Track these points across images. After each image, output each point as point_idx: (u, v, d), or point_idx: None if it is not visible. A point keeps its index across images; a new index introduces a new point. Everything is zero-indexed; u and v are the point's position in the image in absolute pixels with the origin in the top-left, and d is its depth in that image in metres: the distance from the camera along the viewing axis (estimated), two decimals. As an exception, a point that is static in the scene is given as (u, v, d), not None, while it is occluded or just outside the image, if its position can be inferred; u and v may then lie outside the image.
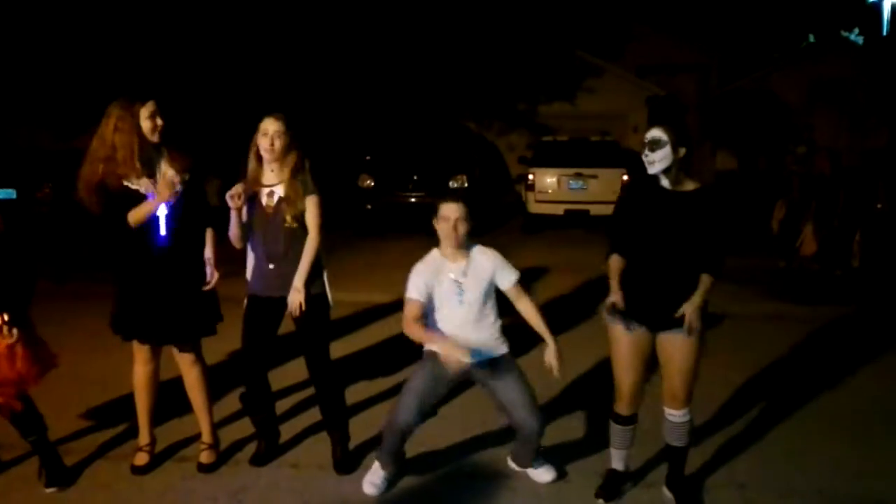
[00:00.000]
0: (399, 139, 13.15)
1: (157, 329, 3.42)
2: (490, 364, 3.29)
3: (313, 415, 3.93)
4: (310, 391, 4.15)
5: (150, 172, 3.32)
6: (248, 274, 3.58)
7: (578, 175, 12.16)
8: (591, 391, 4.65)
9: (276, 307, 3.51)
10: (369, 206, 11.79)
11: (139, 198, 3.28)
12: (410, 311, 3.25)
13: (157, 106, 3.31)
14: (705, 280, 2.99)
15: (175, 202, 3.31)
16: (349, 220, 11.90)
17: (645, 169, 3.04)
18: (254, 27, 13.14)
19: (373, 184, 11.86)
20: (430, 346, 3.26)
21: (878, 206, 9.17)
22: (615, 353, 3.18)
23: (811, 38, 25.72)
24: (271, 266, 3.45)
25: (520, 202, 13.09)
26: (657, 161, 2.97)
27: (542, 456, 3.53)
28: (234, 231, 3.46)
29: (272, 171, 3.45)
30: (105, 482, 3.48)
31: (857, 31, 25.87)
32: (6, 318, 3.16)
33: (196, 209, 3.43)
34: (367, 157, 12.44)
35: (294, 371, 4.70)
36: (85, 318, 6.02)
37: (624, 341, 3.13)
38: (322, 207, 3.48)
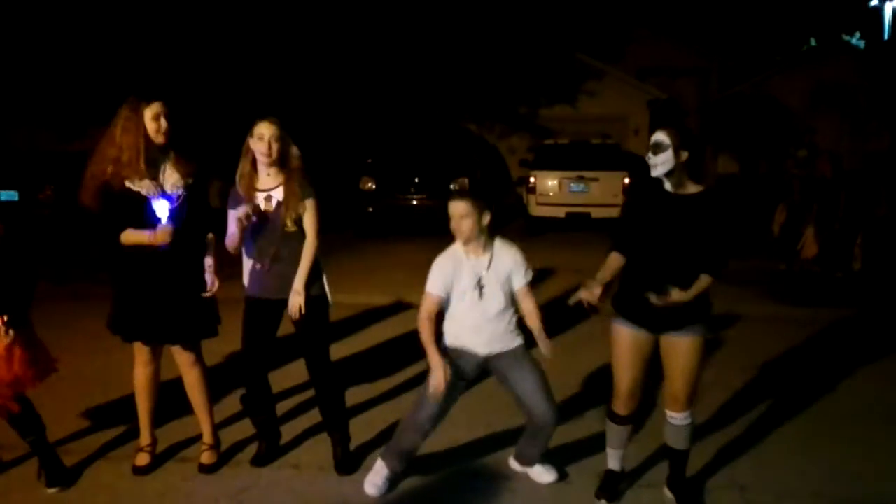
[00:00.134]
0: (400, 142, 13.17)
1: (156, 330, 3.41)
2: (506, 356, 3.31)
3: (314, 416, 3.94)
4: (310, 392, 4.16)
5: (154, 174, 3.32)
6: (246, 276, 3.58)
7: (580, 178, 12.18)
8: (591, 392, 4.64)
9: (274, 309, 3.52)
10: (370, 209, 11.81)
11: (140, 200, 3.28)
12: (427, 307, 3.25)
13: (164, 107, 3.30)
14: (703, 279, 2.99)
15: (177, 206, 3.30)
16: (350, 222, 11.92)
17: (648, 172, 3.06)
18: (256, 29, 13.16)
19: (374, 186, 11.87)
20: (429, 356, 3.21)
21: (880, 209, 9.17)
22: (615, 352, 3.19)
23: (812, 42, 25.73)
24: (270, 269, 3.46)
25: (521, 205, 13.11)
26: (659, 164, 2.98)
27: (545, 456, 3.53)
28: (233, 239, 3.46)
29: (268, 174, 3.45)
30: (106, 483, 3.49)
31: (858, 34, 25.88)
32: (5, 319, 3.17)
33: (198, 213, 3.42)
34: (369, 160, 12.46)
35: (294, 372, 4.71)
36: (85, 319, 6.02)
37: (624, 340, 3.14)
38: (319, 210, 3.49)
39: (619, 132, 17.06)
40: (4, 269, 3.20)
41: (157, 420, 3.69)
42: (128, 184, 3.28)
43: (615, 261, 3.15)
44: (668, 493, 3.30)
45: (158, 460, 3.65)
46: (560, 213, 12.14)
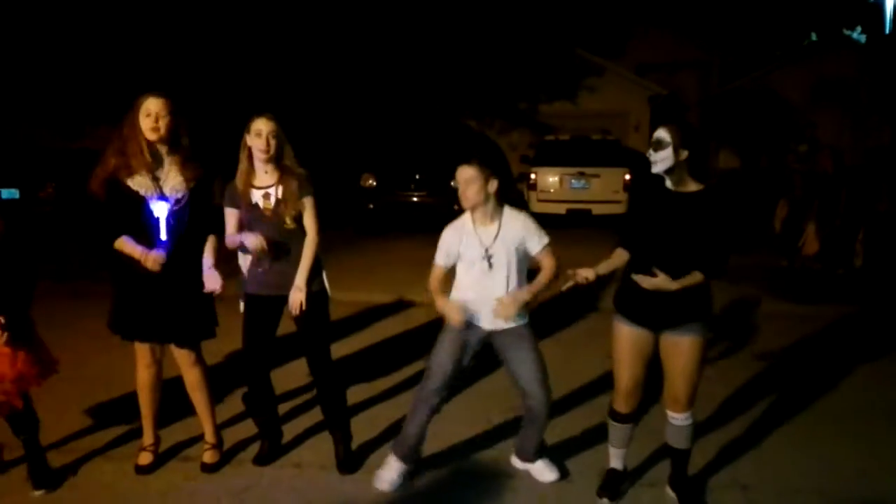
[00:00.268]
0: (401, 139, 13.15)
1: (155, 329, 3.41)
2: (509, 333, 3.32)
3: (316, 415, 3.94)
4: (312, 391, 4.16)
5: (154, 174, 3.30)
6: (245, 274, 3.57)
7: (580, 174, 12.17)
8: (593, 390, 4.64)
9: (274, 306, 3.52)
10: (371, 206, 11.80)
11: (138, 200, 3.27)
12: (435, 275, 3.41)
13: (161, 106, 3.25)
14: (695, 275, 2.97)
15: (177, 209, 3.30)
16: (351, 219, 11.91)
17: (649, 168, 3.06)
18: (257, 27, 13.15)
19: (375, 183, 11.86)
20: (441, 310, 3.31)
21: (882, 205, 9.16)
22: (615, 350, 3.20)
23: (813, 37, 25.64)
24: (269, 266, 3.45)
25: (522, 201, 13.09)
26: (659, 161, 2.98)
27: (546, 454, 3.54)
28: (232, 239, 3.45)
29: (266, 171, 3.45)
30: (108, 482, 3.49)
31: (859, 29, 25.80)
32: (2, 321, 3.16)
33: (200, 215, 3.39)
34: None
35: (296, 371, 4.71)
36: (86, 317, 6.02)
37: (624, 338, 3.15)
38: (318, 207, 3.49)
39: (620, 128, 17.04)
40: (4, 268, 3.19)
41: (160, 419, 3.69)
42: (128, 181, 3.27)
43: (620, 256, 3.17)
44: (670, 492, 3.30)
45: (161, 459, 3.65)
46: (561, 209, 12.13)
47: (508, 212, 3.33)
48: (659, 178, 3.08)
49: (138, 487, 3.44)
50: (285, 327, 3.61)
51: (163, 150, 3.33)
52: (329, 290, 3.61)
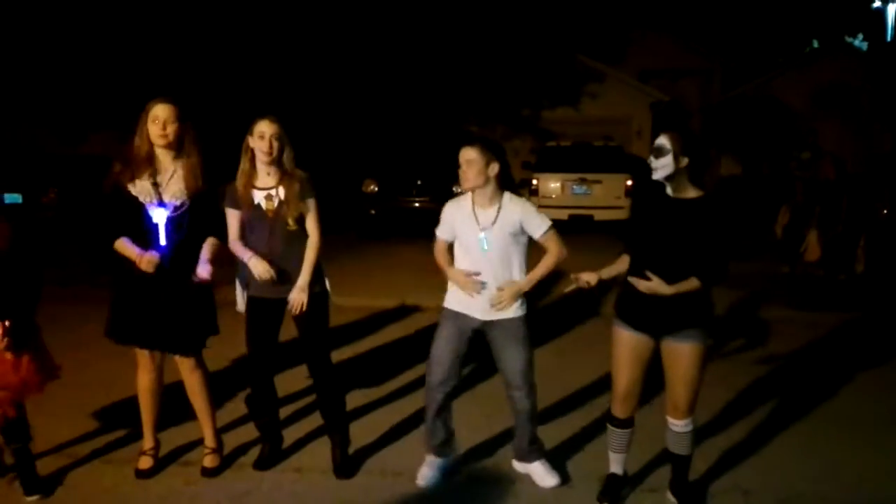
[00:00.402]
0: (403, 144, 13.18)
1: (151, 336, 3.40)
2: (501, 325, 3.33)
3: (316, 419, 3.94)
4: (312, 396, 4.15)
5: (156, 180, 3.31)
6: (244, 274, 3.57)
7: (582, 180, 12.18)
8: (594, 395, 4.63)
9: (276, 308, 3.52)
10: (373, 211, 11.82)
11: (137, 205, 3.28)
12: (437, 248, 3.49)
13: (168, 112, 3.26)
14: (691, 281, 2.97)
15: (176, 215, 3.30)
16: (353, 224, 11.92)
17: (650, 174, 3.07)
18: (260, 32, 13.19)
19: (377, 188, 11.88)
20: (449, 276, 3.39)
21: (883, 211, 9.15)
22: (614, 354, 3.21)
23: (815, 44, 25.69)
24: (272, 268, 3.45)
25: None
26: (659, 168, 3.00)
27: (548, 460, 3.53)
28: (237, 250, 3.46)
29: (268, 173, 3.45)
30: (108, 486, 3.49)
31: (861, 36, 25.85)
32: (6, 325, 3.16)
33: (201, 223, 3.37)
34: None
35: (297, 376, 4.71)
36: (88, 322, 6.00)
37: (623, 343, 3.15)
38: (320, 210, 3.50)
39: (622, 134, 17.06)
40: (9, 273, 3.19)
41: (161, 423, 3.69)
42: (129, 186, 3.29)
43: (624, 262, 3.20)
44: (670, 498, 3.29)
45: (161, 464, 3.65)
46: (563, 215, 12.12)
47: (508, 197, 3.35)
48: (659, 185, 3.09)
49: (138, 492, 3.44)
50: (287, 333, 3.62)
51: (169, 156, 3.34)
52: (330, 294, 3.62)
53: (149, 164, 3.30)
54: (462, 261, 3.38)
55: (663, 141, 3.00)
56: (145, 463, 3.58)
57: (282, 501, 3.36)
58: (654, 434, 3.54)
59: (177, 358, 3.51)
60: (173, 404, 3.87)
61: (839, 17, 25.79)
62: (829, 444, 3.98)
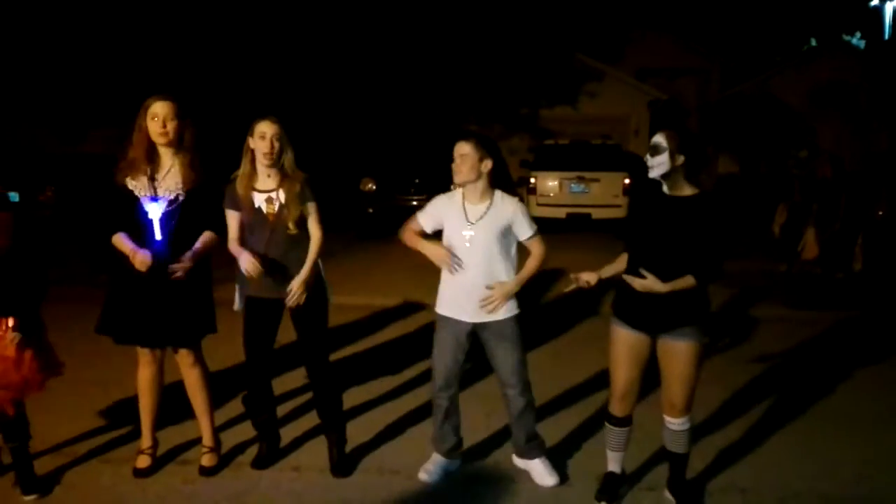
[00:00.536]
0: (401, 143, 13.19)
1: (146, 331, 3.40)
2: (492, 327, 3.34)
3: (314, 418, 3.94)
4: (309, 395, 4.16)
5: (154, 175, 3.31)
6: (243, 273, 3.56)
7: (580, 178, 12.18)
8: (592, 394, 4.64)
9: (274, 308, 3.52)
10: (371, 210, 11.81)
11: (133, 199, 3.29)
12: (411, 225, 3.45)
13: (167, 108, 3.27)
14: (686, 279, 2.97)
15: (172, 210, 3.29)
16: (351, 223, 11.91)
17: (647, 172, 3.08)
18: (259, 31, 13.18)
19: (375, 187, 11.89)
20: (417, 248, 3.38)
21: (881, 210, 9.16)
22: (611, 352, 3.21)
23: (813, 42, 25.72)
24: (270, 270, 3.44)
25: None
26: (655, 166, 3.01)
27: (549, 459, 3.54)
28: (234, 243, 3.46)
29: (269, 175, 3.45)
30: (106, 485, 3.49)
31: (858, 34, 25.86)
32: (10, 323, 3.16)
33: (197, 218, 3.37)
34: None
35: (295, 375, 4.72)
36: (86, 320, 6.00)
37: (621, 341, 3.16)
38: (321, 213, 3.51)
39: (620, 133, 17.06)
40: (12, 268, 3.19)
41: (159, 423, 3.68)
42: (128, 180, 3.29)
43: (623, 262, 3.21)
44: (668, 496, 3.30)
45: (159, 463, 3.65)
46: (560, 213, 12.14)
47: (500, 195, 3.36)
48: (656, 183, 3.10)
49: (136, 491, 3.44)
50: (285, 335, 3.62)
51: (168, 152, 3.35)
52: (329, 294, 3.62)
53: (147, 160, 3.30)
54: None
55: (659, 139, 3.01)
56: (143, 462, 3.58)
57: (280, 500, 3.36)
58: (652, 433, 3.55)
59: (176, 355, 3.51)
60: (171, 404, 3.87)
61: (837, 15, 25.80)
62: (827, 443, 3.99)
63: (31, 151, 13.22)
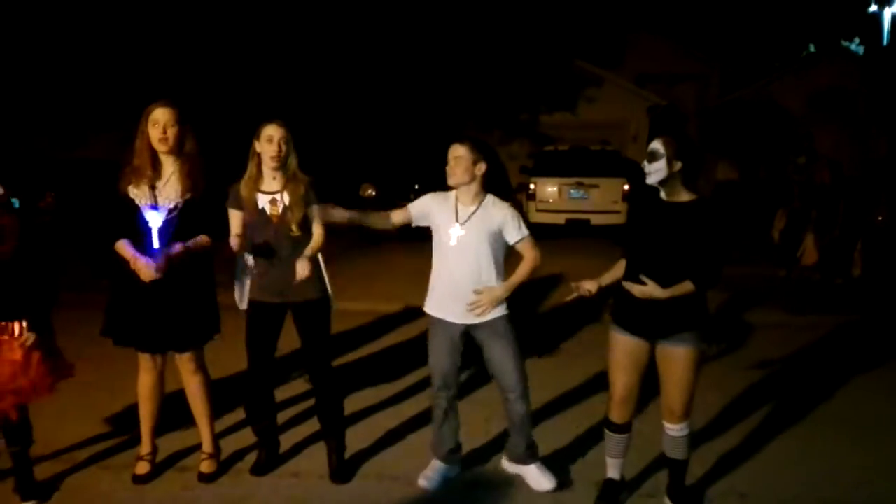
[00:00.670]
0: (400, 149, 13.21)
1: (148, 336, 3.41)
2: (484, 327, 3.35)
3: (314, 424, 3.93)
4: (310, 401, 4.16)
5: (154, 184, 3.32)
6: (247, 280, 3.57)
7: (579, 184, 12.19)
8: (592, 400, 4.64)
9: (277, 313, 3.52)
10: (371, 216, 11.81)
11: (133, 207, 3.29)
12: (400, 210, 3.47)
13: (168, 115, 3.28)
14: (685, 284, 2.98)
15: (170, 218, 3.29)
16: (351, 228, 11.90)
17: (645, 178, 3.09)
18: (258, 35, 13.20)
19: (374, 193, 11.91)
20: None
21: (880, 215, 9.17)
22: (610, 358, 3.22)
23: (811, 48, 25.79)
24: (273, 272, 3.45)
25: (521, 211, 13.11)
26: (653, 172, 3.02)
27: (544, 463, 3.54)
28: (236, 242, 3.47)
29: (274, 178, 3.47)
30: (106, 491, 3.48)
31: (857, 40, 25.95)
32: (24, 324, 3.16)
33: (196, 225, 3.36)
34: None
35: (295, 382, 4.71)
36: (86, 326, 5.98)
37: (620, 347, 3.16)
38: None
39: (619, 138, 17.07)
40: (21, 271, 3.19)
41: (159, 429, 3.68)
42: (130, 188, 3.30)
43: (622, 267, 3.21)
44: (668, 503, 3.30)
45: (158, 469, 3.64)
46: (560, 219, 12.15)
47: (492, 199, 3.39)
48: (654, 189, 3.11)
49: (135, 497, 3.43)
50: (287, 342, 3.62)
51: (169, 160, 3.36)
52: (333, 302, 3.62)
53: (149, 167, 3.31)
54: (436, 262, 3.42)
55: (657, 145, 3.02)
56: (142, 468, 3.58)
57: (279, 506, 3.36)
58: (652, 439, 3.55)
59: (178, 360, 3.51)
60: (171, 410, 3.87)
61: (836, 21, 25.90)
62: (826, 448, 3.99)
63: (30, 156, 13.23)
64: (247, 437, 3.87)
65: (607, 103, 17.97)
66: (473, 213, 3.33)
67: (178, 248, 3.23)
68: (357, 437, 3.93)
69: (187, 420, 3.75)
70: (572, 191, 12.24)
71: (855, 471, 3.70)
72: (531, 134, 17.82)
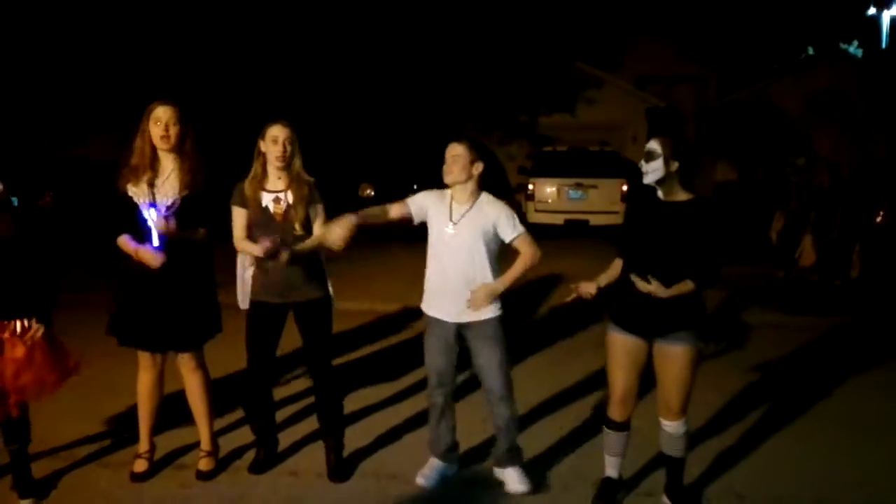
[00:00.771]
0: (399, 149, 13.21)
1: (150, 336, 3.42)
2: (475, 327, 3.36)
3: (312, 423, 3.94)
4: (308, 400, 4.16)
5: (154, 181, 3.32)
6: (248, 279, 3.57)
7: (578, 185, 12.20)
8: (591, 399, 4.64)
9: (278, 313, 3.53)
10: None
11: (133, 205, 3.30)
12: (397, 204, 3.51)
13: (169, 113, 3.29)
14: (686, 283, 2.99)
15: (167, 215, 3.30)
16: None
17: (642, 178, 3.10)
18: (258, 36, 13.21)
19: (373, 193, 11.92)
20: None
21: (879, 218, 9.19)
22: (609, 358, 3.22)
23: (810, 50, 25.84)
24: (276, 272, 3.45)
25: (519, 212, 13.11)
26: (650, 172, 3.03)
27: (523, 465, 3.54)
28: (240, 241, 3.48)
29: (279, 178, 3.48)
30: (104, 489, 3.48)
31: (856, 43, 26.00)
32: (27, 323, 3.16)
33: (195, 223, 3.37)
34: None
35: (294, 381, 4.71)
36: (85, 324, 5.99)
37: (618, 346, 3.17)
38: (326, 216, 3.53)
39: (618, 140, 17.11)
40: (20, 269, 3.20)
41: (157, 427, 3.68)
42: (129, 186, 3.31)
43: (618, 267, 3.20)
44: (665, 501, 3.30)
45: (156, 467, 3.64)
46: (558, 220, 12.16)
47: (487, 198, 3.40)
48: (651, 189, 3.12)
49: (133, 495, 3.43)
50: (288, 341, 3.62)
51: (168, 157, 3.36)
52: (334, 301, 3.63)
53: (150, 165, 3.32)
54: (429, 252, 3.44)
55: (654, 145, 3.03)
56: (140, 466, 3.58)
57: (277, 504, 3.36)
58: (650, 438, 3.55)
59: (179, 358, 3.52)
60: (168, 408, 3.87)
61: (834, 24, 25.95)
62: (825, 448, 4.00)
63: (29, 155, 13.20)
64: (245, 435, 3.87)
65: (606, 105, 18.00)
66: (467, 212, 3.34)
67: (173, 222, 3.25)
68: (355, 436, 3.93)
69: (186, 418, 3.75)
70: (571, 191, 12.25)
71: (853, 470, 3.70)
72: (530, 135, 17.84)
